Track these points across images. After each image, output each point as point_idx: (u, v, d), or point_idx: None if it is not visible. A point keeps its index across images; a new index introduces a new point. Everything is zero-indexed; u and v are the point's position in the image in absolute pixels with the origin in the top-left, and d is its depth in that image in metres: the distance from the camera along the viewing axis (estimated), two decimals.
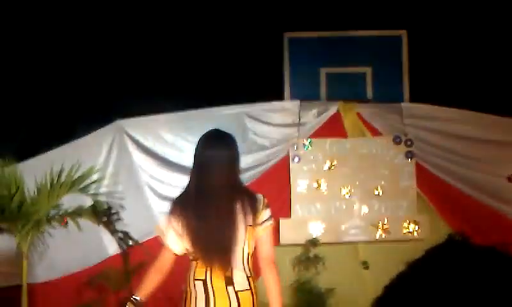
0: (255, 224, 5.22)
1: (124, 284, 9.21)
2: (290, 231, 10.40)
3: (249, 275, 5.29)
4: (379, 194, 10.56)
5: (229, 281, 5.15)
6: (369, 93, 11.11)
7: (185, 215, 5.25)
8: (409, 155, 10.59)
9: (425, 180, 10.63)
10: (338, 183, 10.56)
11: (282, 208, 10.48)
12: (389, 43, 11.20)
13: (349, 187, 10.56)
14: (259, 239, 5.29)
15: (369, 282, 9.83)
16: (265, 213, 5.31)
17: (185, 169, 10.19)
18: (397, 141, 10.61)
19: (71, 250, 9.45)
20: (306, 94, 10.93)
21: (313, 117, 10.73)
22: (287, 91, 11.10)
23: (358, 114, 10.77)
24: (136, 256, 8.76)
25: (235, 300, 5.17)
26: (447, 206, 10.45)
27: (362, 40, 11.18)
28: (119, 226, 8.19)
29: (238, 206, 5.18)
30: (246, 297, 5.21)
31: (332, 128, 10.74)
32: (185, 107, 10.43)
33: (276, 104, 10.81)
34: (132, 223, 8.50)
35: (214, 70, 10.92)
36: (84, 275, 9.68)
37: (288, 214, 10.50)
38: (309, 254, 10.23)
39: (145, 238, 9.54)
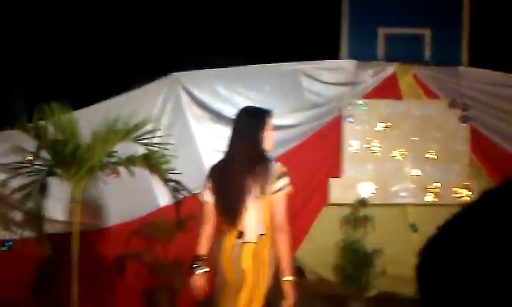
0: (268, 193, 5.63)
1: (173, 235, 9.31)
2: (340, 191, 10.40)
3: (260, 233, 5.67)
4: (431, 158, 10.48)
5: (239, 236, 5.63)
6: (427, 55, 10.98)
7: (215, 179, 5.89)
8: (464, 119, 10.48)
9: (480, 145, 10.53)
10: (390, 145, 10.52)
11: (333, 167, 10.49)
12: (450, 5, 11.03)
13: (401, 149, 10.50)
14: (272, 206, 5.66)
15: (417, 245, 9.74)
16: (279, 183, 5.67)
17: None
18: (453, 104, 10.51)
19: (123, 199, 9.56)
20: (363, 54, 10.85)
21: (369, 77, 10.68)
22: (344, 50, 11.03)
23: (415, 75, 10.68)
24: (185, 209, 8.84)
25: (239, 248, 5.63)
26: (501, 172, 10.33)
27: (423, 2, 11.04)
28: (172, 176, 8.23)
29: (253, 176, 5.64)
30: (249, 247, 5.61)
31: (387, 89, 10.67)
32: (242, 63, 10.44)
33: (332, 63, 10.76)
34: (184, 175, 8.54)
35: (272, 26, 10.90)
36: (134, 225, 9.80)
37: (338, 174, 10.48)
38: (358, 215, 10.22)
39: (196, 191, 9.61)
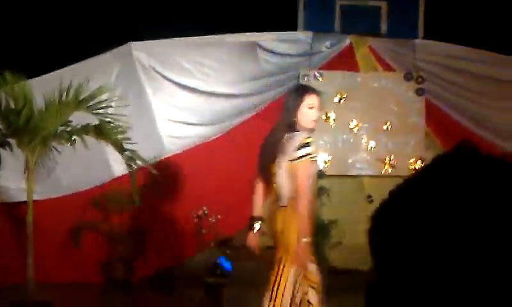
0: (290, 160, 5.94)
1: (130, 205, 9.28)
2: None
3: (291, 197, 5.97)
4: (387, 130, 10.55)
5: (278, 199, 6.03)
6: (383, 27, 11.00)
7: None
8: (420, 91, 10.54)
9: (435, 117, 10.61)
10: (347, 117, 10.56)
11: None
12: None
13: (357, 121, 10.55)
14: (293, 173, 5.95)
15: None
16: (298, 152, 5.92)
17: (196, 92, 10.30)
18: (408, 77, 10.57)
19: (77, 168, 9.52)
20: (320, 26, 10.85)
21: (325, 49, 10.70)
22: (300, 22, 11.00)
23: (371, 48, 10.71)
24: (141, 179, 8.81)
25: (275, 210, 6.09)
26: (453, 144, 10.42)
27: None
28: (127, 145, 8.18)
29: (281, 144, 6.04)
30: (281, 211, 6.00)
31: (344, 61, 10.70)
32: (199, 33, 10.38)
33: (289, 34, 10.77)
34: (139, 144, 8.50)
35: None
36: (90, 195, 9.77)
37: None
38: None
39: (153, 160, 9.59)
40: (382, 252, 1.39)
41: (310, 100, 6.18)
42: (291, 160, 5.94)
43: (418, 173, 1.44)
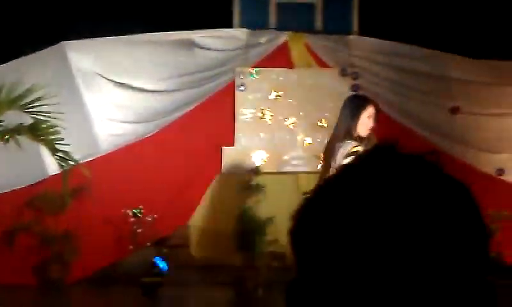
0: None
1: (64, 206, 9.17)
2: (232, 159, 10.41)
3: None
4: (323, 126, 10.58)
5: None
6: (318, 24, 11.05)
7: None
8: (354, 87, 10.60)
9: None
10: (282, 114, 10.57)
11: (226, 136, 10.48)
12: None
13: (293, 118, 10.57)
14: None
15: None
16: (345, 161, 6.21)
17: (131, 89, 10.20)
18: (343, 73, 10.62)
19: (11, 167, 9.35)
20: (255, 23, 10.85)
21: (261, 46, 10.70)
22: (236, 19, 10.99)
23: (306, 44, 10.75)
24: (75, 179, 8.69)
25: None
26: (389, 138, 10.51)
27: None
28: (59, 146, 8.06)
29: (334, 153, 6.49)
30: None
31: (279, 58, 10.71)
32: (134, 31, 10.29)
33: (224, 31, 10.75)
34: (74, 144, 8.40)
35: None
36: (23, 194, 9.61)
37: (231, 143, 10.49)
38: (251, 183, 10.24)
39: (87, 159, 9.49)
40: (302, 250, 1.40)
41: (371, 109, 6.52)
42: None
43: (340, 172, 1.45)
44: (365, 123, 6.46)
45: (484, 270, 1.35)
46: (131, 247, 9.62)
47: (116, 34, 10.27)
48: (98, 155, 9.92)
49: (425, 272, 1.29)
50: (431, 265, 1.30)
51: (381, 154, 1.41)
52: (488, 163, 10.46)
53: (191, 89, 10.46)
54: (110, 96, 10.21)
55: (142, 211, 9.58)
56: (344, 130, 6.42)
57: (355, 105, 6.59)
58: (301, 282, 1.39)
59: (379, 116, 6.80)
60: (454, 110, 10.52)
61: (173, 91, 10.41)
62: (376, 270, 1.28)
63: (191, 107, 10.47)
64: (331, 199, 1.36)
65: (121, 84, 10.24)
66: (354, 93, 7.91)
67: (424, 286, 1.29)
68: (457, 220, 1.33)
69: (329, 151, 6.52)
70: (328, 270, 1.32)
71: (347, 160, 5.93)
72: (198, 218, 10.38)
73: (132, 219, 9.57)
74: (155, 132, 10.32)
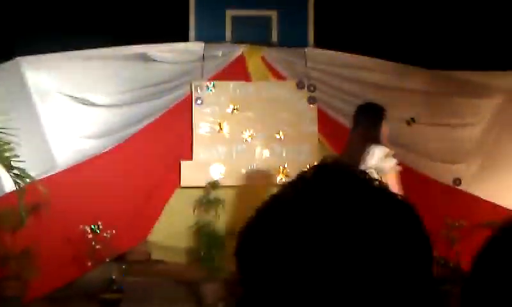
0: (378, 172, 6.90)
1: (21, 223, 9.06)
2: (191, 173, 10.38)
3: None
4: (281, 139, 10.61)
5: None
6: (274, 36, 11.09)
7: None
8: (311, 100, 10.65)
9: (327, 125, 10.73)
10: (240, 127, 10.57)
11: (184, 150, 10.45)
12: None
13: (251, 131, 10.58)
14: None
15: None
16: (386, 164, 6.82)
17: (87, 104, 10.12)
18: (300, 85, 10.66)
19: None
20: (211, 36, 10.85)
21: (217, 59, 10.69)
22: (192, 32, 10.99)
23: (263, 57, 10.77)
24: (33, 196, 8.60)
25: None
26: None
27: None
28: (15, 163, 7.97)
29: (362, 158, 6.90)
30: None
31: (236, 71, 10.72)
32: (88, 46, 10.21)
33: (180, 45, 10.72)
34: (30, 160, 8.31)
35: (119, 8, 10.70)
36: None
37: (189, 156, 10.46)
38: (209, 197, 10.22)
39: (44, 176, 9.40)
40: (247, 269, 1.42)
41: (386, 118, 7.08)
42: (379, 172, 6.40)
43: (283, 189, 1.47)
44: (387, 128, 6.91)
45: (427, 282, 1.37)
46: (90, 263, 9.53)
47: (72, 49, 10.18)
48: (56, 172, 9.82)
49: (364, 286, 1.31)
50: (368, 279, 1.32)
51: (322, 174, 1.43)
52: (445, 173, 10.54)
53: (148, 103, 10.41)
54: (66, 111, 10.11)
55: (100, 227, 9.50)
56: (367, 136, 6.78)
57: (377, 111, 7.08)
58: (247, 300, 1.40)
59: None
60: (410, 122, 10.59)
61: (130, 104, 10.35)
62: (317, 288, 1.30)
63: (149, 121, 10.42)
64: (272, 221, 1.38)
65: (78, 99, 10.15)
66: (367, 102, 8.16)
67: (363, 300, 1.31)
68: (392, 236, 1.35)
69: (350, 156, 6.66)
70: (271, 287, 1.34)
71: (389, 162, 6.20)
72: (157, 233, 10.32)
73: (90, 236, 9.48)
74: (112, 147, 10.25)
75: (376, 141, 6.73)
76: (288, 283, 1.35)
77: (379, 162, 6.55)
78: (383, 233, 1.37)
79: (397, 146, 10.50)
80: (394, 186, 6.51)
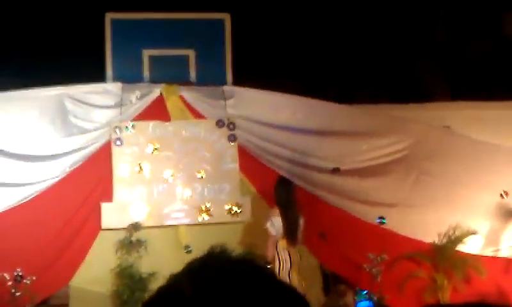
0: None
1: None
2: (112, 215, 10.25)
3: None
4: (202, 177, 10.58)
5: None
6: (192, 75, 11.09)
7: None
8: (231, 138, 10.66)
9: (247, 162, 10.75)
10: (161, 167, 10.50)
11: (104, 192, 10.33)
12: (212, 26, 11.23)
13: (171, 170, 10.52)
14: None
15: None
16: None
17: (6, 155, 9.86)
18: (219, 124, 10.67)
19: None
20: (129, 76, 10.79)
21: (136, 99, 10.61)
22: (109, 73, 10.89)
23: (181, 97, 10.75)
24: None
25: None
26: (267, 188, 10.57)
27: (185, 23, 11.16)
28: None
29: None
30: None
31: (155, 111, 10.66)
32: (4, 87, 9.99)
33: (97, 86, 10.62)
34: None
35: (34, 49, 10.57)
36: None
37: (110, 198, 10.33)
38: (131, 239, 10.10)
39: None
40: None
41: None
42: None
43: (173, 279, 1.51)
44: None
45: None
46: None
47: None
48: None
49: None
50: None
51: (212, 261, 1.45)
52: (370, 213, 10.57)
53: (70, 155, 10.21)
54: None
55: (21, 274, 9.29)
56: None
57: None
58: None
59: None
60: (335, 171, 10.62)
61: (51, 156, 10.12)
62: None
63: (70, 169, 10.24)
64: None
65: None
66: None
67: None
68: None
69: None
70: None
71: None
72: (78, 278, 10.12)
73: (9, 283, 9.26)
74: (33, 195, 10.04)
75: None
76: None
77: None
78: None
79: (324, 191, 10.61)
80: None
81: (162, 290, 1.46)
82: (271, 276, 1.49)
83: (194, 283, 1.42)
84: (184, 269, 1.49)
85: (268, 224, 9.55)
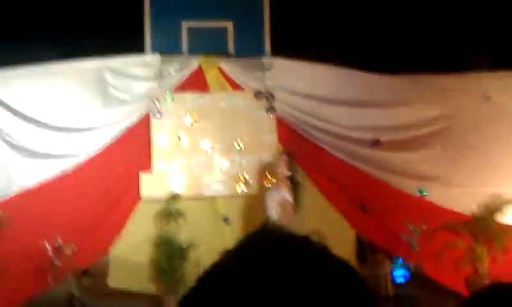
0: None
1: None
2: (151, 186, 10.34)
3: None
4: (240, 149, 10.60)
5: None
6: (231, 47, 11.08)
7: None
8: (270, 109, 10.66)
9: (286, 133, 10.75)
10: (199, 138, 10.56)
11: (143, 163, 10.41)
12: None
13: (210, 142, 10.56)
14: None
15: (229, 236, 9.89)
16: None
17: (42, 124, 9.95)
18: (258, 95, 10.67)
19: None
20: (168, 48, 10.82)
21: (175, 71, 10.66)
22: (148, 45, 10.93)
23: (220, 68, 10.77)
24: None
25: None
26: (308, 161, 10.58)
27: None
28: None
29: None
30: None
31: (194, 83, 10.70)
32: (46, 60, 10.04)
33: (136, 58, 10.68)
34: None
35: (74, 22, 10.61)
36: None
37: (149, 169, 10.41)
38: (170, 209, 10.18)
39: (2, 197, 9.32)
40: None
41: None
42: None
43: (223, 256, 1.49)
44: None
45: None
46: (51, 280, 9.43)
47: (25, 63, 9.93)
48: (14, 193, 9.67)
49: None
50: None
51: (267, 240, 1.46)
52: (410, 185, 10.52)
53: (111, 126, 10.30)
54: (20, 129, 9.88)
55: (61, 243, 9.41)
56: None
57: None
58: None
59: None
60: (375, 144, 10.57)
61: (88, 128, 10.20)
62: None
63: (109, 139, 10.33)
64: (220, 285, 1.40)
65: (31, 118, 9.91)
66: None
67: None
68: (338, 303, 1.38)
69: None
70: None
71: None
72: (118, 247, 10.24)
73: (50, 252, 9.39)
74: (73, 166, 10.14)
75: None
76: None
77: None
78: (330, 301, 1.39)
79: (364, 163, 10.58)
80: None
81: (213, 267, 1.47)
82: (324, 252, 1.49)
83: (245, 259, 1.43)
84: (237, 244, 1.50)
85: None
